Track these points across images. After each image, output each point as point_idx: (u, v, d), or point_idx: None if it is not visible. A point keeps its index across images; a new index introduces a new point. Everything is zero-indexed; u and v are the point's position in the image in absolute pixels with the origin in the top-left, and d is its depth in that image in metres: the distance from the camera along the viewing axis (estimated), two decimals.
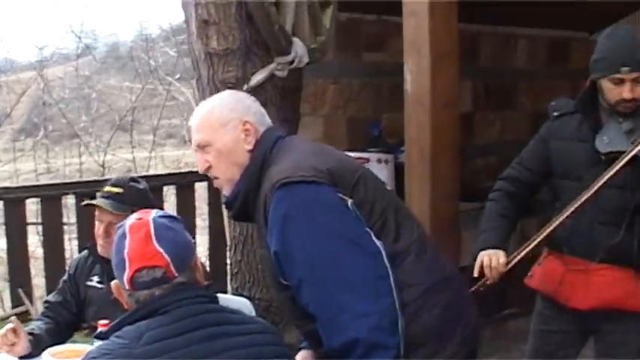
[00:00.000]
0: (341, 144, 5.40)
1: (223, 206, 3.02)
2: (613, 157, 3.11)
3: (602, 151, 3.15)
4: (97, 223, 3.51)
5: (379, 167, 5.08)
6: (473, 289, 3.18)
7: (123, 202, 3.42)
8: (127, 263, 2.18)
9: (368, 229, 2.45)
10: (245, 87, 3.76)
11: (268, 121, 2.76)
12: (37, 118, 12.98)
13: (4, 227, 6.28)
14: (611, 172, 3.05)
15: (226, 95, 2.81)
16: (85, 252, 3.68)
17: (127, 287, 2.20)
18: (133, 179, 3.64)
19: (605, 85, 3.13)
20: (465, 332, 2.55)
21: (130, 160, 11.24)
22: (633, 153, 3.03)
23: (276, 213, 2.43)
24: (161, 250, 2.16)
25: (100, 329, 3.08)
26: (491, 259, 3.20)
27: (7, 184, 9.62)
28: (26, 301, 6.03)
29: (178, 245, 2.21)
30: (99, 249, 3.52)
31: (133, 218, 2.27)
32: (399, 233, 2.51)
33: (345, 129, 5.65)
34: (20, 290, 6.09)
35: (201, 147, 2.67)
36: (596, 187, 3.07)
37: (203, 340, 2.13)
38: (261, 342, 2.24)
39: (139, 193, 3.52)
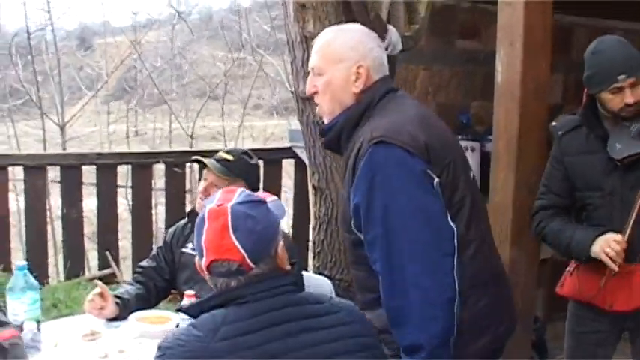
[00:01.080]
0: None
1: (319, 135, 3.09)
2: (629, 161, 3.18)
3: (618, 157, 3.19)
4: (202, 181, 3.65)
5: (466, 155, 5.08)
6: (603, 282, 3.24)
7: (228, 169, 3.55)
8: (204, 252, 2.20)
9: (446, 210, 2.51)
10: None
11: (385, 69, 2.76)
12: (128, 83, 13.22)
13: (95, 189, 6.48)
14: None
15: (355, 30, 2.79)
16: (184, 221, 3.80)
17: (205, 272, 2.24)
18: (246, 152, 3.74)
19: (605, 96, 3.19)
20: (498, 330, 2.67)
21: (219, 131, 11.38)
22: None
23: (366, 169, 2.48)
24: (237, 243, 2.14)
25: (184, 300, 3.22)
26: (611, 246, 3.17)
27: (99, 149, 9.92)
28: (113, 264, 6.23)
29: (257, 235, 2.16)
30: (197, 206, 3.66)
31: (214, 202, 2.24)
32: (469, 225, 2.58)
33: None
34: (107, 253, 6.30)
35: (314, 71, 2.73)
36: None
37: (282, 337, 2.11)
38: (346, 334, 2.21)
39: (247, 166, 3.63)
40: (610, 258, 3.14)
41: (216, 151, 3.73)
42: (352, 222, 2.57)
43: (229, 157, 3.59)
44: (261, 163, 6.57)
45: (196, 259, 2.30)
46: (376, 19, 3.79)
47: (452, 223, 2.49)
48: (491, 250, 2.77)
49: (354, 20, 3.78)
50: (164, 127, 11.04)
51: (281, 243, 2.27)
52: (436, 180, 2.49)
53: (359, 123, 2.63)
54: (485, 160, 4.67)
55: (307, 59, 3.85)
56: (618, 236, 3.16)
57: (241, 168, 3.59)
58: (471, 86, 5.67)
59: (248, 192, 2.29)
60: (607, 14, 6.13)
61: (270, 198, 2.33)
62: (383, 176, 2.43)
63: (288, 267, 2.30)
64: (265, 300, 2.14)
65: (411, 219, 2.44)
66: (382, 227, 2.44)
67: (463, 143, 5.07)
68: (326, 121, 2.76)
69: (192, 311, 2.26)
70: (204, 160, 3.63)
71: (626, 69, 3.12)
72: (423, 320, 2.39)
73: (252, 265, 2.16)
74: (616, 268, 3.16)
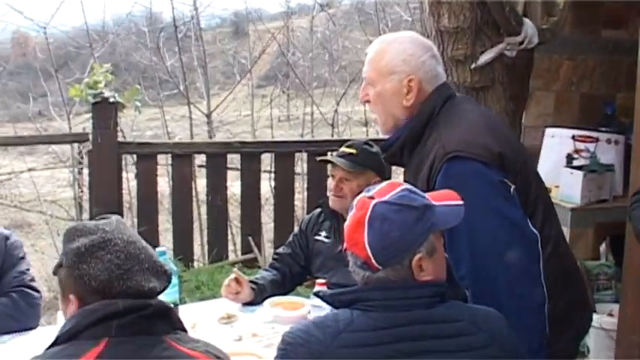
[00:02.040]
0: (572, 120, 5.31)
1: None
2: None
3: None
4: (330, 178, 3.78)
5: (608, 147, 4.95)
6: None
7: (354, 162, 3.66)
8: (345, 236, 2.18)
9: (526, 217, 2.52)
10: (473, 65, 3.82)
11: (441, 77, 2.75)
12: (279, 69, 13.43)
13: (239, 174, 6.67)
14: None
15: (407, 40, 2.75)
16: (318, 209, 3.91)
17: None
18: (367, 143, 3.84)
19: None
20: (579, 331, 2.75)
21: (361, 121, 11.44)
22: None
23: (443, 184, 2.44)
24: (366, 241, 2.08)
25: (315, 288, 3.31)
26: None
27: (248, 135, 10.17)
28: (255, 249, 6.41)
29: (389, 240, 2.08)
30: (330, 202, 3.75)
31: (371, 191, 2.19)
32: (544, 226, 2.57)
33: (578, 106, 5.52)
34: (250, 238, 6.48)
35: (367, 80, 2.75)
36: None
37: (404, 356, 2.02)
38: None
39: (371, 155, 3.71)
40: None
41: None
42: None
43: (353, 151, 3.70)
44: None
45: None
46: (511, 12, 3.76)
47: (534, 229, 2.49)
48: (567, 248, 2.79)
49: (489, 13, 3.77)
50: (315, 112, 11.15)
51: (418, 256, 2.12)
52: (513, 187, 2.49)
53: (423, 135, 2.64)
54: (629, 153, 4.54)
55: (442, 53, 3.87)
56: None
57: (366, 158, 3.69)
58: (616, 76, 5.52)
59: (408, 192, 2.16)
60: None
61: (452, 202, 2.22)
62: (463, 191, 2.31)
63: (428, 279, 2.14)
64: (392, 312, 2.07)
65: (497, 229, 2.45)
66: (467, 239, 2.42)
67: (606, 135, 4.98)
68: (382, 132, 2.81)
69: (325, 299, 2.23)
70: (330, 158, 3.77)
71: None
72: (519, 330, 2.33)
73: (379, 267, 2.09)
74: None
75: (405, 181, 2.57)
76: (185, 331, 2.16)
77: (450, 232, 2.34)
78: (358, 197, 2.19)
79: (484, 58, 3.82)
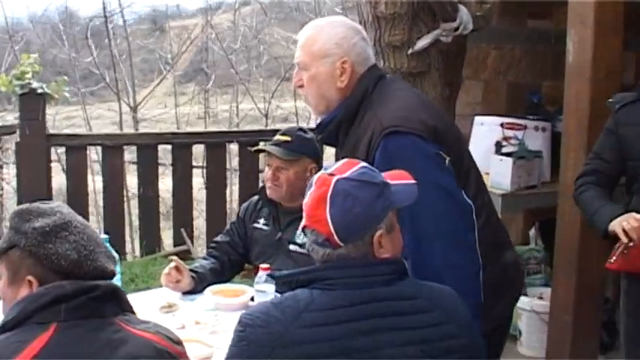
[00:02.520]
0: (500, 109, 5.40)
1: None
2: None
3: None
4: (266, 167, 3.73)
5: (536, 135, 5.03)
6: (614, 258, 3.24)
7: (290, 150, 3.63)
8: (304, 214, 2.18)
9: (460, 188, 2.61)
10: (410, 51, 3.86)
11: (371, 59, 2.83)
12: (199, 65, 13.36)
13: (170, 168, 6.64)
14: None
15: (337, 24, 2.81)
16: (256, 197, 3.89)
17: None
18: (301, 129, 3.82)
19: None
20: (513, 295, 2.87)
21: (292, 111, 11.46)
22: None
23: (382, 159, 2.51)
24: (328, 217, 2.09)
25: (259, 273, 3.30)
26: (629, 221, 3.17)
27: (174, 128, 10.10)
28: (187, 241, 6.38)
29: (352, 217, 2.09)
30: (267, 191, 3.72)
31: (330, 169, 2.19)
32: (476, 196, 2.66)
33: (505, 94, 5.62)
34: (182, 230, 6.44)
35: (299, 65, 2.79)
36: None
37: (364, 334, 2.03)
38: (434, 337, 2.10)
39: (306, 141, 3.69)
40: (624, 231, 3.14)
41: None
42: None
43: (287, 138, 3.66)
44: None
45: None
46: None
47: (467, 199, 2.58)
48: (498, 218, 2.90)
49: (426, 2, 3.82)
50: (238, 108, 11.13)
51: (379, 232, 2.14)
52: (447, 159, 2.57)
53: (357, 115, 2.71)
54: (556, 139, 4.64)
55: (379, 39, 3.91)
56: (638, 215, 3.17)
57: (301, 145, 3.66)
58: (542, 66, 5.64)
59: (368, 169, 2.19)
60: None
61: (405, 181, 2.24)
62: (402, 164, 2.38)
63: (387, 256, 2.16)
64: (352, 290, 2.07)
65: (432, 197, 2.49)
66: (408, 210, 2.39)
67: (533, 123, 5.06)
68: (314, 114, 2.87)
69: (280, 280, 2.23)
70: (265, 147, 3.73)
71: None
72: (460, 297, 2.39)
73: (340, 244, 2.10)
74: (625, 240, 3.14)
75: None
76: (134, 312, 2.14)
77: None
78: (317, 175, 2.19)
79: (420, 44, 3.86)
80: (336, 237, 2.09)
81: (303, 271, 2.17)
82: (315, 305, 2.05)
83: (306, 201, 2.17)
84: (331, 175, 2.15)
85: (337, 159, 2.58)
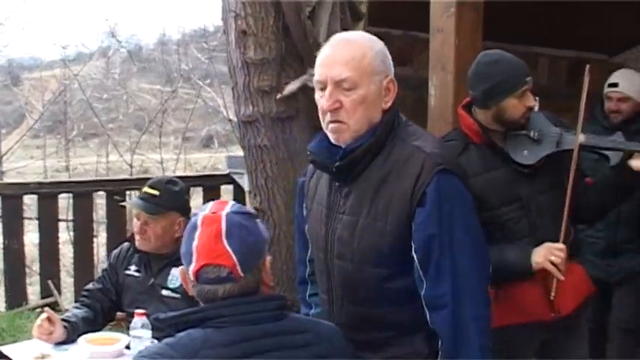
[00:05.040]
0: None
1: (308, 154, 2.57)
2: (541, 164, 3.20)
3: (533, 162, 3.20)
4: (134, 220, 3.65)
5: None
6: (552, 296, 3.20)
7: (158, 205, 3.56)
8: (195, 257, 2.13)
9: None
10: (278, 96, 3.93)
11: None
12: (58, 117, 13.15)
13: (36, 222, 6.48)
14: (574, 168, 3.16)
15: (374, 39, 2.50)
16: (127, 244, 3.82)
17: (192, 279, 2.16)
18: (169, 181, 3.73)
19: (510, 103, 3.16)
20: None
21: (158, 160, 11.41)
22: (579, 142, 3.16)
23: (436, 194, 2.32)
24: (230, 249, 2.11)
25: (135, 319, 3.26)
26: (554, 253, 3.14)
27: (40, 179, 9.84)
28: (55, 293, 6.23)
29: (249, 245, 2.14)
30: (137, 243, 3.65)
31: (207, 209, 2.19)
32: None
33: None
34: (50, 282, 6.29)
35: (340, 84, 2.39)
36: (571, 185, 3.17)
37: None
38: None
39: (175, 195, 3.63)
40: (556, 266, 3.11)
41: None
42: (388, 253, 2.40)
43: (155, 192, 3.60)
44: (200, 189, 6.82)
45: (180, 268, 2.26)
46: (314, 44, 3.88)
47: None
48: None
49: (293, 45, 3.90)
50: (101, 161, 10.98)
51: (268, 258, 2.23)
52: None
53: (384, 144, 2.44)
54: None
55: (249, 84, 3.96)
56: (559, 245, 3.14)
57: (169, 199, 3.60)
58: (403, 111, 5.78)
59: (240, 205, 2.24)
60: (533, 41, 6.37)
61: None
62: (454, 202, 2.34)
63: (272, 284, 2.25)
64: (245, 326, 2.10)
65: (478, 241, 2.43)
66: (461, 249, 2.36)
67: None
68: (342, 141, 2.44)
69: (167, 322, 2.19)
70: (132, 204, 3.68)
71: (528, 72, 3.17)
72: (482, 350, 2.35)
73: (242, 274, 2.11)
74: (562, 277, 3.12)
75: (345, 191, 2.50)
76: None
77: (443, 241, 2.33)
78: (199, 217, 2.18)
79: (289, 89, 3.93)
80: (239, 268, 2.12)
81: (193, 311, 2.16)
82: (212, 342, 2.06)
83: (197, 243, 2.14)
84: (214, 213, 2.17)
85: (333, 190, 2.54)
